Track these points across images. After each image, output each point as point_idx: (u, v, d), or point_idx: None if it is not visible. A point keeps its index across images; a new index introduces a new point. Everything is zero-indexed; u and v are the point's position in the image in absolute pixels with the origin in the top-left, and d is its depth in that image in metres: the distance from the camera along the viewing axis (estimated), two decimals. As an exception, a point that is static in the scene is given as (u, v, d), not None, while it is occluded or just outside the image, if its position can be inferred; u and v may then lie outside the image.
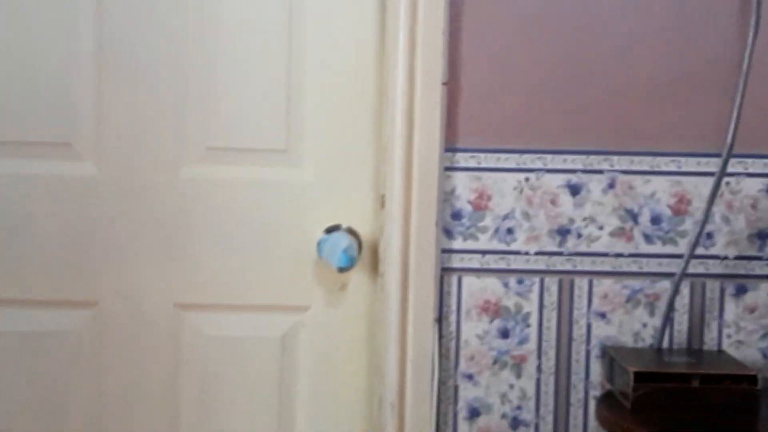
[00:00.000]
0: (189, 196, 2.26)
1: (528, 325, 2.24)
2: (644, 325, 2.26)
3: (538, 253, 2.24)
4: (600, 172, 2.22)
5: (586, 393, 2.24)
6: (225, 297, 2.28)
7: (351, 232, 2.28)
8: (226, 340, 2.29)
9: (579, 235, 2.23)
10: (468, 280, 2.24)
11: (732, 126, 2.17)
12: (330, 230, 2.28)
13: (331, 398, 2.31)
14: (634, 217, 2.22)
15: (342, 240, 2.20)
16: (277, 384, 2.31)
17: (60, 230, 2.29)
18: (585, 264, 2.23)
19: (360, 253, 2.27)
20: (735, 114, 2.17)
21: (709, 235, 2.24)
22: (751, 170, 2.23)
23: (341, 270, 2.20)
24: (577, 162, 2.22)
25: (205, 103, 2.24)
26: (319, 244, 2.27)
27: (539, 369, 2.26)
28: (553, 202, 2.22)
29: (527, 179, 2.22)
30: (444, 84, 2.17)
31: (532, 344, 2.25)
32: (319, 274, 2.29)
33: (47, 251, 2.29)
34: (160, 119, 2.25)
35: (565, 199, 2.23)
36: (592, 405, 2.25)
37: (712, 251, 2.24)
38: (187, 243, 2.27)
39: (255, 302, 2.29)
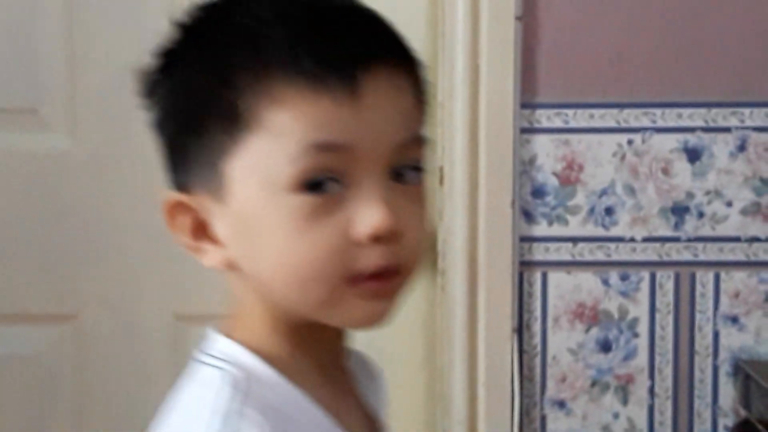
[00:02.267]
0: None
1: (636, 335, 2.17)
2: None
3: (646, 240, 2.17)
4: (727, 129, 2.10)
5: (715, 422, 2.17)
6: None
7: None
8: None
9: (701, 215, 2.11)
10: (556, 278, 2.13)
11: None
12: None
13: None
14: None
15: None
16: None
17: (25, 223, 2.23)
18: (710, 252, 2.12)
19: None
20: None
21: None
22: None
23: None
24: (697, 118, 2.11)
25: None
26: None
27: (652, 392, 2.18)
28: (666, 171, 2.15)
29: (630, 142, 2.13)
30: (518, 19, 2.07)
31: (641, 360, 2.16)
32: None
33: (9, 252, 2.24)
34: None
35: (682, 166, 2.15)
36: (723, 438, 2.17)
37: None
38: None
39: None
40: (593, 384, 2.14)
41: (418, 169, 0.99)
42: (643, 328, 2.14)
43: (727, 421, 2.12)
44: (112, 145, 2.17)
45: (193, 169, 0.99)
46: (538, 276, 2.11)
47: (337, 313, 0.98)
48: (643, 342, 2.14)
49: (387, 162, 0.96)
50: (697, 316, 2.12)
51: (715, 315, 2.11)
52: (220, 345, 1.02)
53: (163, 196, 1.01)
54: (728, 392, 2.12)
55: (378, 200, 0.95)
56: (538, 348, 2.13)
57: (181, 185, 1.01)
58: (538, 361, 2.14)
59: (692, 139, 2.10)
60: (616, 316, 2.14)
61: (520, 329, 2.11)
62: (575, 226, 2.09)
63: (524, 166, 2.09)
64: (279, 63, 0.95)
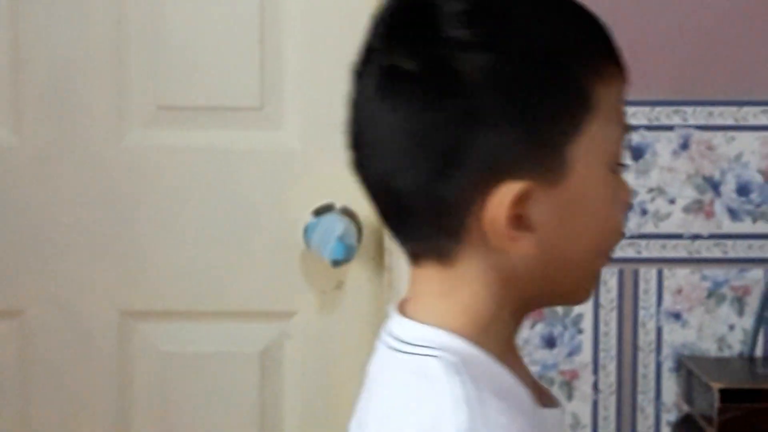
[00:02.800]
0: (136, 170, 2.18)
1: (580, 331, 2.15)
2: (731, 328, 2.14)
3: (590, 237, 2.03)
4: (669, 128, 2.10)
5: (658, 418, 2.16)
6: (186, 302, 2.20)
7: (347, 213, 2.15)
8: (189, 357, 2.21)
9: (643, 212, 2.11)
10: None
11: None
12: (320, 212, 2.15)
13: (327, 430, 2.20)
14: (714, 186, 2.11)
15: (336, 224, 2.10)
16: (258, 411, 2.20)
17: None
18: (652, 249, 2.11)
19: (360, 241, 2.14)
20: None
21: None
22: None
23: (336, 264, 2.09)
24: (640, 116, 2.10)
25: (153, 49, 2.17)
26: (307, 230, 2.14)
27: (596, 388, 2.18)
28: (610, 168, 2.04)
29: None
30: None
31: (585, 356, 2.16)
32: (308, 269, 2.18)
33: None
34: (95, 69, 2.16)
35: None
36: (666, 432, 2.18)
37: None
38: (136, 232, 2.18)
39: (225, 308, 2.20)
40: (540, 379, 2.11)
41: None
42: (587, 324, 2.14)
43: (669, 416, 2.13)
44: (57, 142, 2.16)
45: (518, 158, 0.98)
46: (482, 272, 2.09)
47: (587, 287, 1.08)
48: (587, 338, 2.14)
49: None
50: (641, 312, 2.12)
51: (658, 311, 2.12)
52: (424, 333, 1.02)
53: (503, 193, 0.98)
54: (671, 388, 2.13)
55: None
56: (484, 344, 2.11)
57: (496, 177, 0.98)
58: None
59: (635, 137, 2.10)
60: (560, 312, 2.13)
61: None
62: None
63: (470, 164, 2.07)
64: (596, 39, 1.03)
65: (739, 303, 2.11)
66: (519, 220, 0.99)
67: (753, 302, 2.10)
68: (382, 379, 1.05)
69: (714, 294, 2.11)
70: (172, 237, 2.16)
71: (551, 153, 0.99)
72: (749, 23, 2.09)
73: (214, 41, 2.13)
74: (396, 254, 2.07)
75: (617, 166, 1.04)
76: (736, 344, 2.12)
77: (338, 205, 2.14)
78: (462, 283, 1.02)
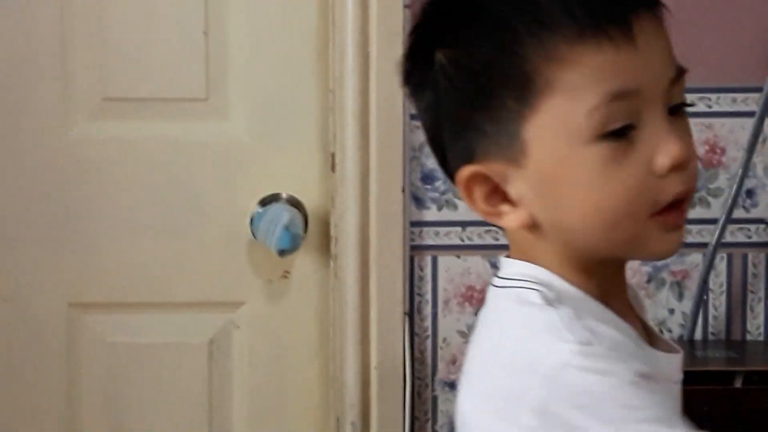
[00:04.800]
0: (82, 162, 2.15)
1: None
2: (671, 312, 2.14)
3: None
4: None
5: None
6: (133, 293, 2.18)
7: (293, 203, 2.14)
8: (136, 348, 2.19)
9: None
10: (445, 262, 2.13)
11: None
12: (266, 202, 2.13)
13: (276, 418, 2.18)
14: None
15: (282, 214, 2.08)
16: (206, 401, 2.18)
17: None
18: None
19: (306, 231, 2.13)
20: None
21: (750, 193, 2.11)
22: None
23: (282, 253, 2.07)
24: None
25: (98, 40, 2.13)
26: (253, 220, 2.12)
27: None
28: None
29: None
30: (407, 7, 2.06)
31: None
32: (255, 259, 2.16)
33: None
34: (40, 61, 2.14)
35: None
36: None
37: (754, 214, 2.12)
38: (82, 224, 2.16)
39: (172, 299, 2.18)
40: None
41: (685, 104, 1.06)
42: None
43: None
44: (2, 135, 2.14)
45: (482, 140, 1.05)
46: (428, 260, 2.11)
47: (642, 248, 1.05)
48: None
49: (664, 98, 1.03)
50: None
51: None
52: (519, 268, 1.08)
53: (460, 173, 1.06)
54: None
55: (671, 133, 1.02)
56: (429, 331, 2.13)
57: (466, 159, 1.06)
58: (429, 343, 2.13)
59: None
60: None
61: (411, 313, 2.11)
62: (464, 211, 2.08)
63: (414, 152, 2.08)
64: (558, 23, 1.02)
65: (679, 287, 2.12)
66: (497, 197, 1.06)
67: (692, 286, 2.11)
68: (487, 316, 1.10)
69: (654, 278, 2.11)
70: (119, 229, 2.14)
71: (508, 135, 1.03)
72: (688, 11, 2.04)
73: (160, 32, 2.11)
74: (342, 243, 2.09)
75: (615, 132, 1.01)
76: (676, 328, 2.13)
77: (284, 195, 2.13)
78: (522, 247, 1.09)
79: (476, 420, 1.07)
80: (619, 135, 1.01)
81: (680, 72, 1.05)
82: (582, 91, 1.01)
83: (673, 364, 1.10)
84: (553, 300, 1.04)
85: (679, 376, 1.11)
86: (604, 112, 1.01)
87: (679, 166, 1.02)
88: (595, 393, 0.98)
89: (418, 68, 1.08)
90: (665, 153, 1.02)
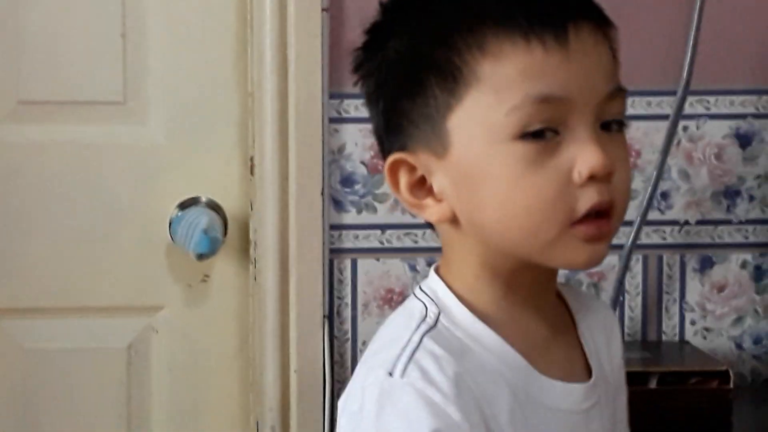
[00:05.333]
0: None
1: None
2: None
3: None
4: None
5: None
6: (50, 298, 2.15)
7: (212, 206, 2.12)
8: (53, 355, 2.16)
9: (751, 198, 2.14)
10: (365, 264, 2.13)
11: (689, 54, 2.05)
12: (185, 205, 2.12)
13: (195, 422, 2.17)
14: None
15: (201, 218, 2.07)
16: (125, 406, 2.16)
17: None
18: None
19: (225, 234, 2.12)
20: (692, 40, 2.04)
21: (665, 196, 2.13)
22: (714, 110, 2.13)
23: (201, 257, 2.05)
24: (747, 105, 2.13)
25: (13, 43, 2.11)
26: (172, 223, 2.11)
27: None
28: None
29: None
30: (324, 10, 2.06)
31: None
32: (173, 263, 2.14)
33: None
34: None
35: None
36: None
37: (669, 216, 2.14)
38: None
39: (91, 303, 2.16)
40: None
41: (621, 122, 1.06)
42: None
43: None
44: None
45: (412, 130, 1.06)
46: (347, 263, 2.11)
47: (558, 256, 1.04)
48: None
49: (596, 112, 1.03)
50: None
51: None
52: (431, 282, 1.11)
53: (387, 160, 1.09)
54: None
55: (593, 143, 1.02)
56: (349, 334, 2.13)
57: (399, 147, 1.07)
58: (348, 346, 2.13)
59: (743, 125, 2.09)
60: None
61: (331, 316, 2.10)
62: (384, 214, 2.09)
63: (333, 156, 2.08)
64: (493, 19, 1.03)
65: (595, 288, 2.11)
66: (421, 189, 1.07)
67: (608, 287, 2.11)
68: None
69: (571, 280, 2.10)
70: (36, 233, 2.11)
71: (433, 126, 1.04)
72: None
73: (76, 35, 2.08)
74: (261, 247, 2.08)
75: (534, 134, 1.01)
76: (593, 328, 2.13)
77: (203, 198, 2.12)
78: (451, 246, 1.10)
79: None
80: (540, 138, 1.01)
81: (619, 90, 1.05)
82: (506, 89, 1.02)
83: (573, 395, 1.09)
84: (424, 316, 1.07)
85: (583, 405, 1.09)
86: (525, 113, 1.01)
87: (598, 177, 1.01)
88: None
89: (368, 58, 1.10)
90: (584, 162, 1.01)
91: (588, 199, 1.02)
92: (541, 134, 1.02)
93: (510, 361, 1.06)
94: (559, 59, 1.02)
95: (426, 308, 1.08)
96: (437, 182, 1.06)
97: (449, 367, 1.03)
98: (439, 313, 1.07)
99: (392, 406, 1.02)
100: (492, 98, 1.02)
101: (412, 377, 1.02)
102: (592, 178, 1.01)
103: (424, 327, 1.06)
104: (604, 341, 1.17)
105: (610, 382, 1.15)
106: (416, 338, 1.05)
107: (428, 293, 1.09)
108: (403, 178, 1.08)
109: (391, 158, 1.08)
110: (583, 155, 1.01)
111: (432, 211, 1.07)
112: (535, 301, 1.10)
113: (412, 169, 1.07)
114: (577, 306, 1.16)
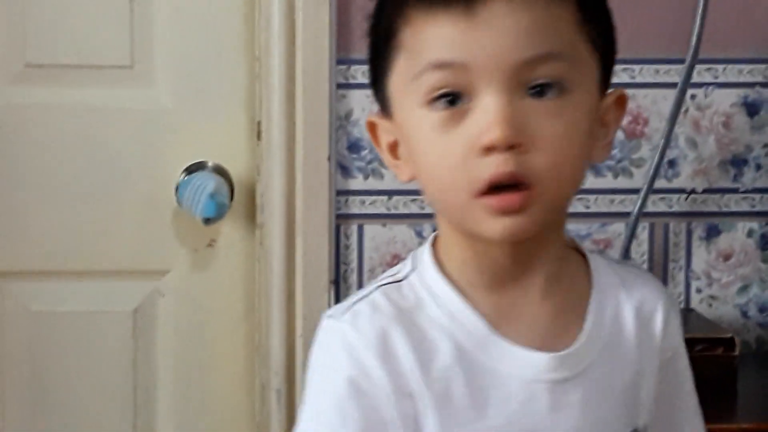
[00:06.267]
0: (3, 128, 2.12)
1: None
2: None
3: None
4: None
5: None
6: (57, 262, 2.15)
7: (219, 171, 2.12)
8: (61, 317, 2.16)
9: (758, 167, 2.13)
10: (371, 230, 2.12)
11: (697, 23, 2.01)
12: (192, 170, 2.12)
13: (201, 385, 2.17)
14: None
15: (207, 182, 2.06)
16: (131, 369, 2.16)
17: None
18: None
19: (231, 199, 2.12)
20: (700, 8, 2.01)
21: (672, 164, 2.12)
22: (722, 79, 2.11)
23: (207, 221, 2.05)
24: (756, 73, 2.12)
25: (20, 6, 2.09)
26: (179, 187, 2.11)
27: None
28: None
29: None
30: None
31: None
32: (180, 227, 2.14)
33: None
34: None
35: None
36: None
37: (676, 184, 2.13)
38: (4, 191, 2.12)
39: (98, 267, 2.16)
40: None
41: (555, 85, 1.02)
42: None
43: None
44: None
45: (379, 94, 1.10)
46: (354, 229, 2.10)
47: (474, 226, 1.04)
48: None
49: (511, 78, 1.01)
50: None
51: None
52: (423, 252, 1.12)
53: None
54: None
55: (495, 112, 1.00)
56: (355, 299, 2.12)
57: (379, 110, 1.11)
58: None
59: (751, 94, 2.09)
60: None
61: (337, 281, 2.10)
62: (390, 180, 2.08)
63: (340, 121, 2.07)
64: None
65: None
66: (395, 150, 1.11)
67: (614, 254, 2.09)
68: None
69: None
70: (43, 196, 2.11)
71: (379, 90, 1.09)
72: None
73: (83, -2, 2.08)
74: (268, 211, 2.08)
75: (441, 100, 1.02)
76: (598, 296, 2.13)
77: (210, 163, 2.11)
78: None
79: None
80: (450, 105, 1.02)
81: (544, 56, 1.01)
82: (416, 56, 1.04)
83: (536, 364, 1.07)
84: (394, 277, 1.11)
85: (551, 375, 1.07)
86: (425, 79, 1.03)
87: (498, 149, 0.99)
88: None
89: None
90: (481, 132, 1.00)
91: (485, 170, 1.00)
92: (451, 101, 1.02)
93: (465, 322, 1.07)
94: (464, 27, 1.01)
95: (405, 266, 1.11)
96: (397, 144, 1.11)
97: (382, 318, 1.06)
98: (411, 270, 1.10)
99: (319, 346, 1.10)
100: (407, 65, 1.05)
101: (343, 320, 1.07)
102: (492, 149, 1.00)
103: (387, 280, 1.10)
104: (633, 318, 1.13)
105: (620, 360, 1.11)
106: (371, 289, 1.09)
107: (417, 253, 1.12)
108: (383, 139, 1.11)
109: (367, 119, 1.12)
110: (482, 124, 1.00)
111: (399, 171, 1.11)
112: (518, 273, 1.08)
113: (386, 130, 1.11)
114: (605, 281, 1.13)
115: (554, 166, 1.01)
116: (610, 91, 1.09)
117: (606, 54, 1.08)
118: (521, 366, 1.06)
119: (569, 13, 1.04)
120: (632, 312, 1.13)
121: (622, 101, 1.11)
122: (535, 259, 1.08)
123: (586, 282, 1.12)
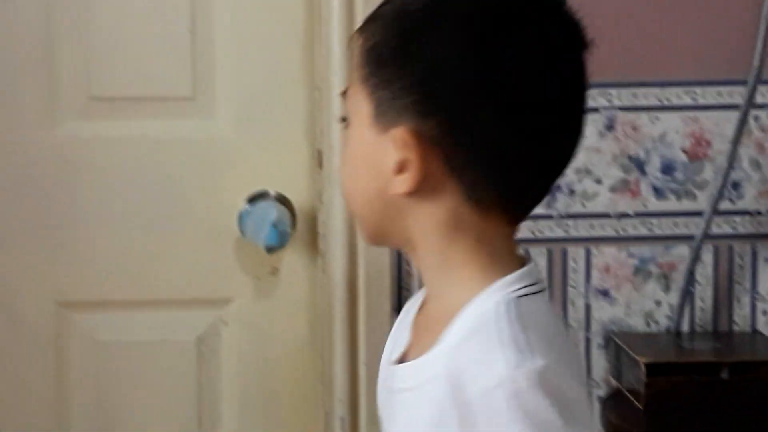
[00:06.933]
0: (69, 160, 2.13)
1: None
2: (658, 304, 2.14)
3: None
4: (595, 110, 2.09)
5: (588, 394, 2.09)
6: (121, 292, 2.16)
7: (281, 200, 2.13)
8: (125, 346, 2.18)
9: (571, 192, 2.10)
10: None
11: (759, 43, 2.02)
12: (254, 199, 2.13)
13: (265, 413, 2.18)
14: (640, 165, 2.11)
15: (270, 211, 2.08)
16: (195, 398, 2.18)
17: None
18: (581, 229, 2.12)
19: (294, 228, 2.13)
20: (763, 28, 2.02)
21: (736, 186, 2.11)
22: None
23: (270, 250, 2.07)
24: None
25: (84, 39, 2.11)
26: (241, 217, 2.12)
27: None
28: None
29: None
30: None
31: None
32: (243, 256, 2.15)
33: None
34: (26, 60, 2.12)
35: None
36: (596, 408, 2.13)
37: (740, 206, 2.12)
38: (70, 222, 2.14)
39: (161, 297, 2.17)
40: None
41: (344, 119, 1.17)
42: (518, 303, 2.10)
43: (599, 391, 2.13)
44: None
45: None
46: (416, 255, 2.09)
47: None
48: (518, 317, 2.11)
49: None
50: (570, 290, 2.12)
51: (586, 289, 2.11)
52: None
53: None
54: (600, 364, 2.13)
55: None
56: (418, 326, 2.11)
57: None
58: None
59: None
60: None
61: (399, 308, 2.02)
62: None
63: (400, 148, 2.07)
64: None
65: (665, 279, 2.11)
66: None
67: (678, 278, 2.11)
68: None
69: (641, 271, 2.11)
70: (107, 227, 2.12)
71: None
72: (672, 4, 2.08)
73: (145, 31, 2.09)
74: (329, 239, 2.08)
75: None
76: (663, 320, 2.13)
77: (272, 192, 2.12)
78: None
79: None
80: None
81: (342, 93, 1.17)
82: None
83: (394, 375, 1.17)
84: None
85: (398, 385, 1.15)
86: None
87: None
88: None
89: None
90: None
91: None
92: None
93: (403, 323, 1.24)
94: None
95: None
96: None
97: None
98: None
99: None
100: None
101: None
102: None
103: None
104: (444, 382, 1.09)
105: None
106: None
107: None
108: None
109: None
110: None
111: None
112: (427, 282, 1.18)
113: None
114: (451, 331, 1.10)
115: (342, 189, 1.18)
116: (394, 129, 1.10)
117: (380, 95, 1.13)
118: (392, 379, 1.21)
119: (356, 55, 1.15)
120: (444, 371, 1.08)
121: (395, 140, 1.10)
122: (421, 270, 1.19)
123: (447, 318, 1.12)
